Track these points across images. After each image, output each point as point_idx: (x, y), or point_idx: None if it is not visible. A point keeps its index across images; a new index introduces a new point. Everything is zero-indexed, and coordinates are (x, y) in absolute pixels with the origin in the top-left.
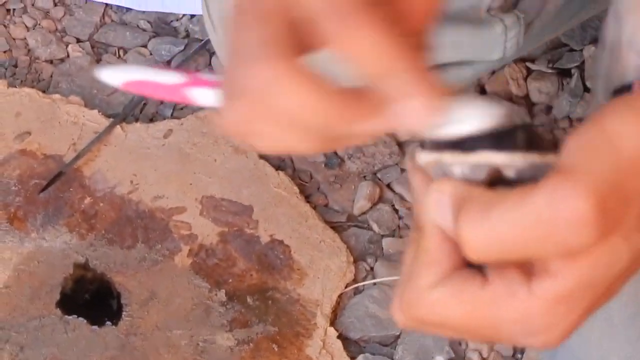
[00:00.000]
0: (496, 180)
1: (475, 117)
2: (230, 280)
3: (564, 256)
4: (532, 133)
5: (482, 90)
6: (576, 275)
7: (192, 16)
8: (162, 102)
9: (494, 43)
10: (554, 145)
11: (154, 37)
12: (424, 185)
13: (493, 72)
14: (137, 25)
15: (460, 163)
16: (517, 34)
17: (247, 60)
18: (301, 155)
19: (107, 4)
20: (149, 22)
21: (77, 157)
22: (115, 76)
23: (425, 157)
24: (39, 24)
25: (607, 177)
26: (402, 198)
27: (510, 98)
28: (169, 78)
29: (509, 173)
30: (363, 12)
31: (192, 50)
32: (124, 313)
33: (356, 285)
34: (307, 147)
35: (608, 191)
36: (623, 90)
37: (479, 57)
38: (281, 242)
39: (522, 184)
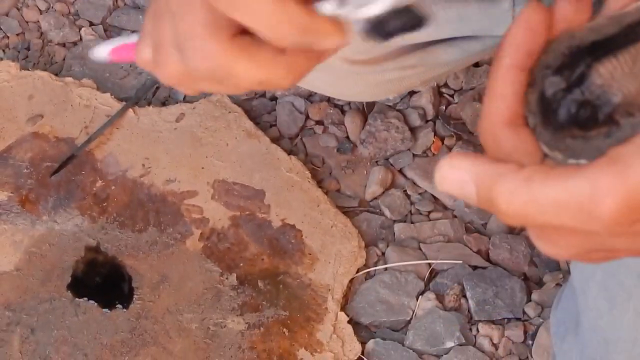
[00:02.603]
0: None
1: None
2: (242, 265)
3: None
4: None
5: None
6: None
7: None
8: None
9: (500, 17)
10: None
11: None
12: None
13: None
14: None
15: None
16: None
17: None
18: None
19: None
20: None
21: (89, 141)
22: (101, 50)
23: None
24: (52, 7)
25: None
26: (414, 183)
27: None
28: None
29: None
30: None
31: None
32: (135, 296)
33: (367, 270)
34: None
35: None
36: None
37: (486, 32)
38: (293, 226)
39: None
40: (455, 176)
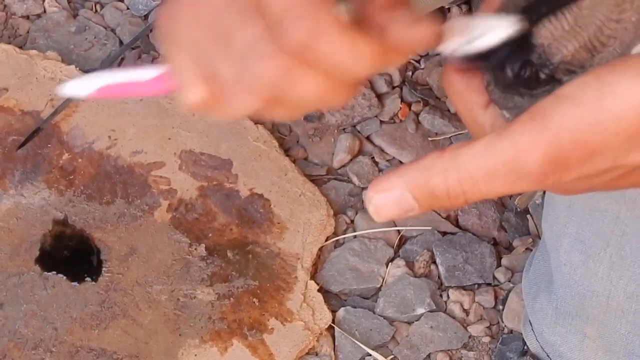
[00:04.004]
0: None
1: (495, 29)
2: (210, 235)
3: None
4: None
5: None
6: None
7: None
8: (139, 57)
9: None
10: None
11: None
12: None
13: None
14: None
15: None
16: None
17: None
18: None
19: None
20: None
21: (55, 113)
22: (82, 87)
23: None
24: None
25: (576, 132)
26: (381, 150)
27: None
28: (143, 74)
29: None
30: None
31: None
32: (103, 269)
33: (336, 238)
34: (335, 98)
35: (570, 147)
36: None
37: None
38: (261, 196)
39: None
40: (389, 198)
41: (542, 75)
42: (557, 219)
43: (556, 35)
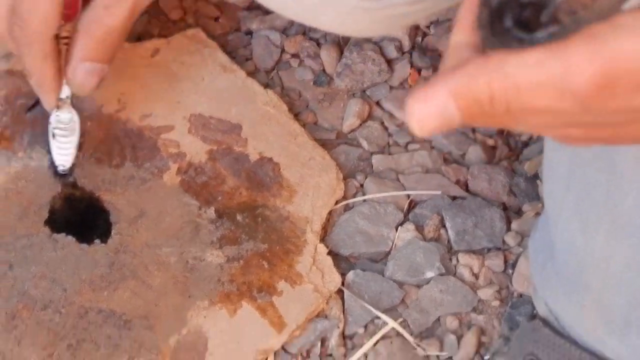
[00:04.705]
0: None
1: None
2: (220, 198)
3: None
4: None
5: None
6: None
7: None
8: (149, 22)
9: None
10: None
11: None
12: None
13: None
14: None
15: None
16: None
17: None
18: None
19: None
20: None
21: None
22: None
23: None
24: None
25: (631, 60)
26: (391, 115)
27: None
28: None
29: None
30: None
31: None
32: (113, 231)
33: (346, 202)
34: None
35: (622, 73)
36: None
37: None
38: (270, 159)
39: None
40: (432, 110)
41: (544, 18)
42: (557, 189)
43: None
